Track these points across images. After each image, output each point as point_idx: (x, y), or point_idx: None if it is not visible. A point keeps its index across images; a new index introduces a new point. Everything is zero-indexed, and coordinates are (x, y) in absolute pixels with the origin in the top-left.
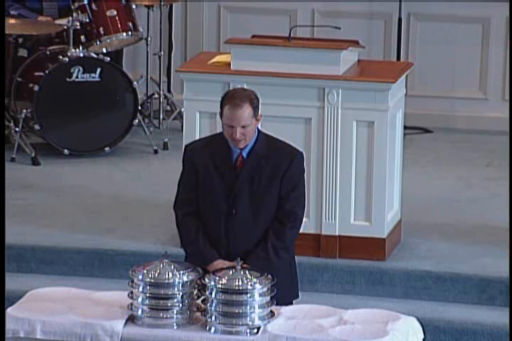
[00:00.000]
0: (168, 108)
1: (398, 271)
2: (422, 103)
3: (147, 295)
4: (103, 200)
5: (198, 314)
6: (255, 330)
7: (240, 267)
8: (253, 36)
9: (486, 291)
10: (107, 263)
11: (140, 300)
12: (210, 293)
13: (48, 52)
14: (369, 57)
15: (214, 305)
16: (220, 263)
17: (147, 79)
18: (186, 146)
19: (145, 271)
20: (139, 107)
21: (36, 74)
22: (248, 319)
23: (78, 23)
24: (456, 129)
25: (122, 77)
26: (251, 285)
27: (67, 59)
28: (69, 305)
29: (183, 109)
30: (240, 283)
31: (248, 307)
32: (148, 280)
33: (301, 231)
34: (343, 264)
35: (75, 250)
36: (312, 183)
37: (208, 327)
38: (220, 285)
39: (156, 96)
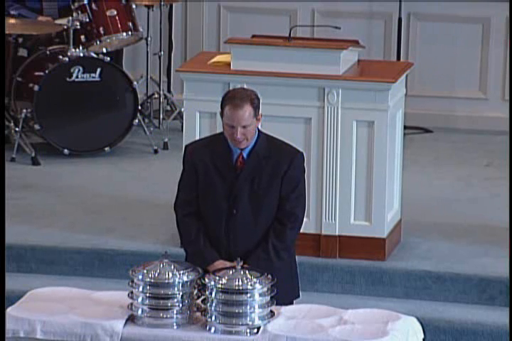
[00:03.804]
0: (168, 108)
1: (398, 271)
2: (422, 103)
3: (147, 295)
4: (103, 200)
5: (198, 314)
6: (255, 330)
7: (240, 267)
8: (253, 36)
9: (486, 291)
10: (107, 263)
11: (140, 300)
12: (210, 293)
13: (48, 52)
14: (369, 57)
15: (214, 305)
16: (220, 263)
17: (147, 79)
18: (186, 146)
19: (145, 271)
20: (139, 107)
21: (36, 74)
22: (248, 319)
23: (78, 23)
24: (456, 129)
25: (122, 77)
26: (251, 285)
27: (67, 59)
28: (69, 305)
29: (183, 109)
30: (240, 283)
31: (248, 307)
32: (148, 280)
33: (301, 231)
34: (343, 264)
35: (75, 250)
36: (312, 183)
37: (208, 327)
38: (220, 285)
39: (156, 96)
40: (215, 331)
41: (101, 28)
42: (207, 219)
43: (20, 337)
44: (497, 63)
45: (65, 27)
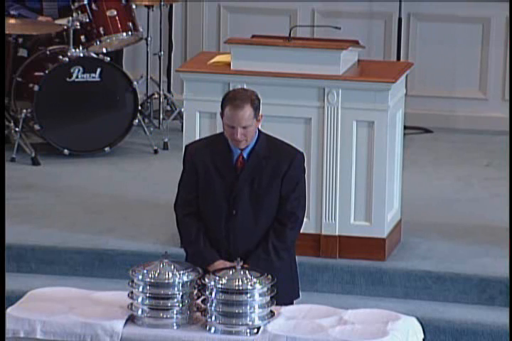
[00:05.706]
0: (168, 108)
1: (398, 271)
2: (422, 103)
3: (147, 295)
4: (103, 200)
5: (198, 314)
6: (255, 330)
7: (240, 267)
8: (253, 36)
9: (486, 291)
10: (107, 263)
11: (140, 300)
12: (210, 293)
13: (48, 52)
14: (369, 57)
15: (214, 305)
16: (220, 263)
17: (147, 79)
18: (187, 146)
19: (145, 271)
20: (139, 107)
21: (36, 74)
22: (248, 319)
23: (78, 23)
24: (456, 129)
25: (122, 77)
26: (251, 285)
27: (67, 59)
28: (69, 305)
29: (183, 109)
30: (240, 283)
31: (248, 307)
32: (148, 280)
33: (301, 231)
34: (343, 264)
35: (75, 250)
36: (312, 183)
37: (208, 327)
38: (220, 285)
39: (156, 96)
40: (215, 331)
41: (101, 28)
42: (207, 219)
43: (20, 337)
44: (497, 63)
45: (65, 27)
